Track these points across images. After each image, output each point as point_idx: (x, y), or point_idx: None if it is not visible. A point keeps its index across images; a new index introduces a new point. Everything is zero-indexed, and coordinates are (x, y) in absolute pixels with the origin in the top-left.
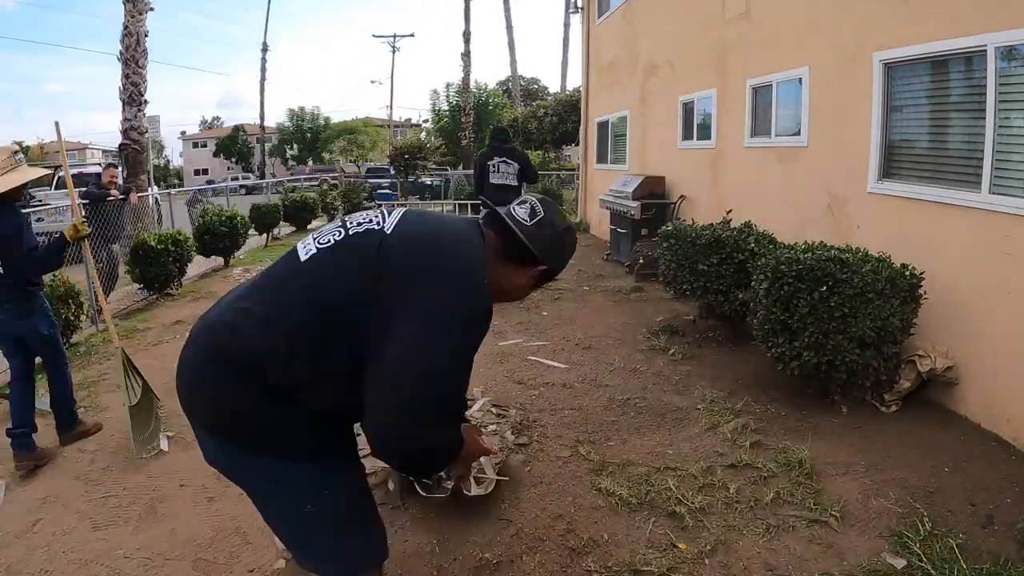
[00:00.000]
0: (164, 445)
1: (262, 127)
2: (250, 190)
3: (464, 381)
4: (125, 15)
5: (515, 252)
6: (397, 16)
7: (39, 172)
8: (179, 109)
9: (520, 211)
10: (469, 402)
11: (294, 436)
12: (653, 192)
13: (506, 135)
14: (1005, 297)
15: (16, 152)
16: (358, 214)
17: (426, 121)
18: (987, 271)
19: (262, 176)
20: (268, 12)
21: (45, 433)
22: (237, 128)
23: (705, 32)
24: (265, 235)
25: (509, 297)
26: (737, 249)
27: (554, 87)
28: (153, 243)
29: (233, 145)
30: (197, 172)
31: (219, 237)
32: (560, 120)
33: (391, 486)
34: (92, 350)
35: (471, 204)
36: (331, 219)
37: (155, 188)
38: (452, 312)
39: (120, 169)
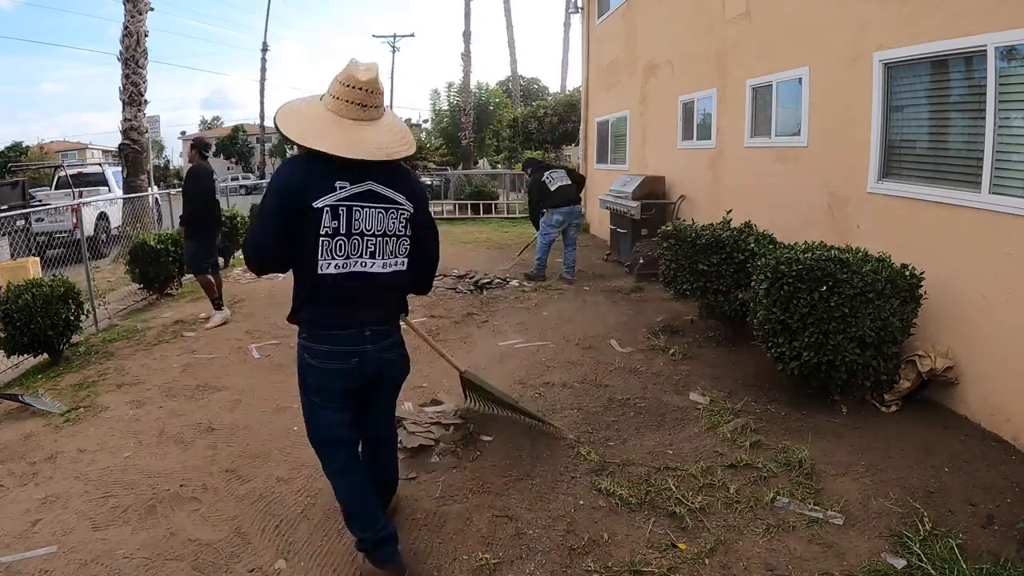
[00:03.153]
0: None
1: (262, 127)
2: (250, 190)
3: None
4: (125, 15)
5: None
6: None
7: None
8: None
9: None
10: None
11: None
12: (653, 192)
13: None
14: (1005, 297)
15: None
16: None
17: (426, 121)
18: (987, 271)
19: (262, 176)
20: (268, 11)
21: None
22: (237, 128)
23: (705, 32)
24: None
25: None
26: (737, 249)
27: (554, 87)
28: (153, 243)
29: (233, 145)
30: None
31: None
32: (560, 120)
33: None
34: (92, 350)
35: (470, 204)
36: None
37: (155, 188)
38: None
39: (121, 169)
